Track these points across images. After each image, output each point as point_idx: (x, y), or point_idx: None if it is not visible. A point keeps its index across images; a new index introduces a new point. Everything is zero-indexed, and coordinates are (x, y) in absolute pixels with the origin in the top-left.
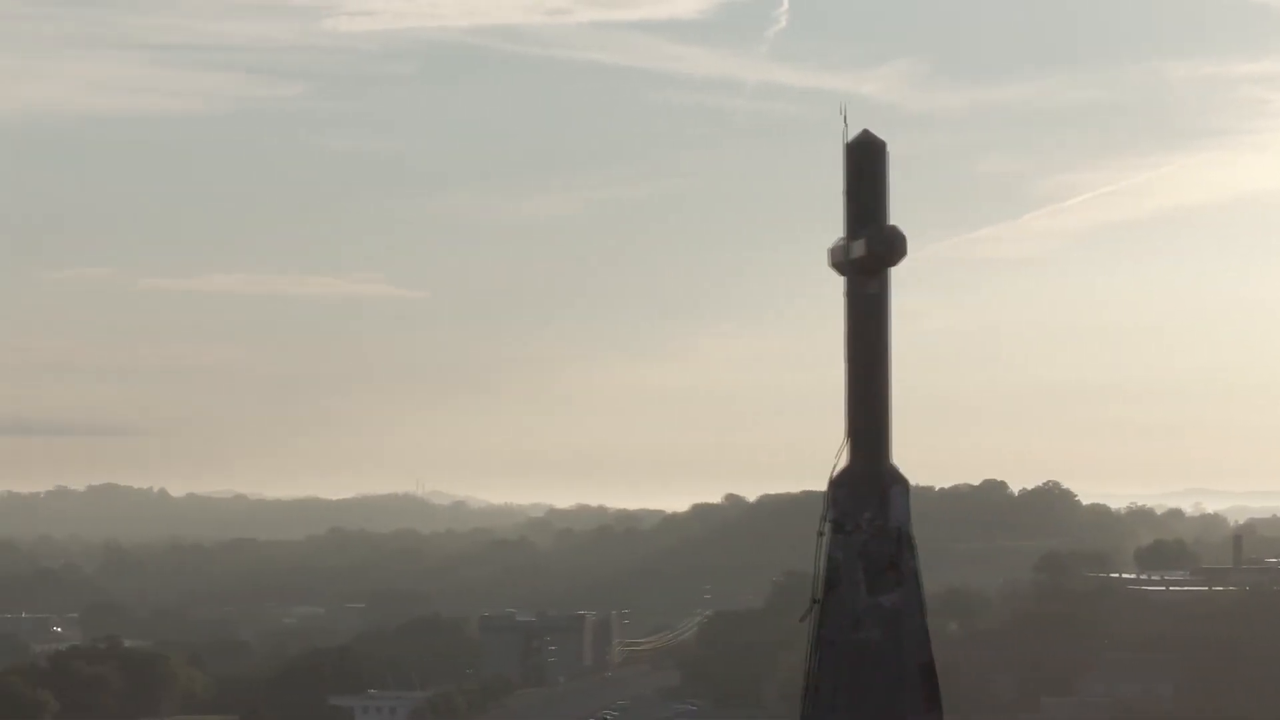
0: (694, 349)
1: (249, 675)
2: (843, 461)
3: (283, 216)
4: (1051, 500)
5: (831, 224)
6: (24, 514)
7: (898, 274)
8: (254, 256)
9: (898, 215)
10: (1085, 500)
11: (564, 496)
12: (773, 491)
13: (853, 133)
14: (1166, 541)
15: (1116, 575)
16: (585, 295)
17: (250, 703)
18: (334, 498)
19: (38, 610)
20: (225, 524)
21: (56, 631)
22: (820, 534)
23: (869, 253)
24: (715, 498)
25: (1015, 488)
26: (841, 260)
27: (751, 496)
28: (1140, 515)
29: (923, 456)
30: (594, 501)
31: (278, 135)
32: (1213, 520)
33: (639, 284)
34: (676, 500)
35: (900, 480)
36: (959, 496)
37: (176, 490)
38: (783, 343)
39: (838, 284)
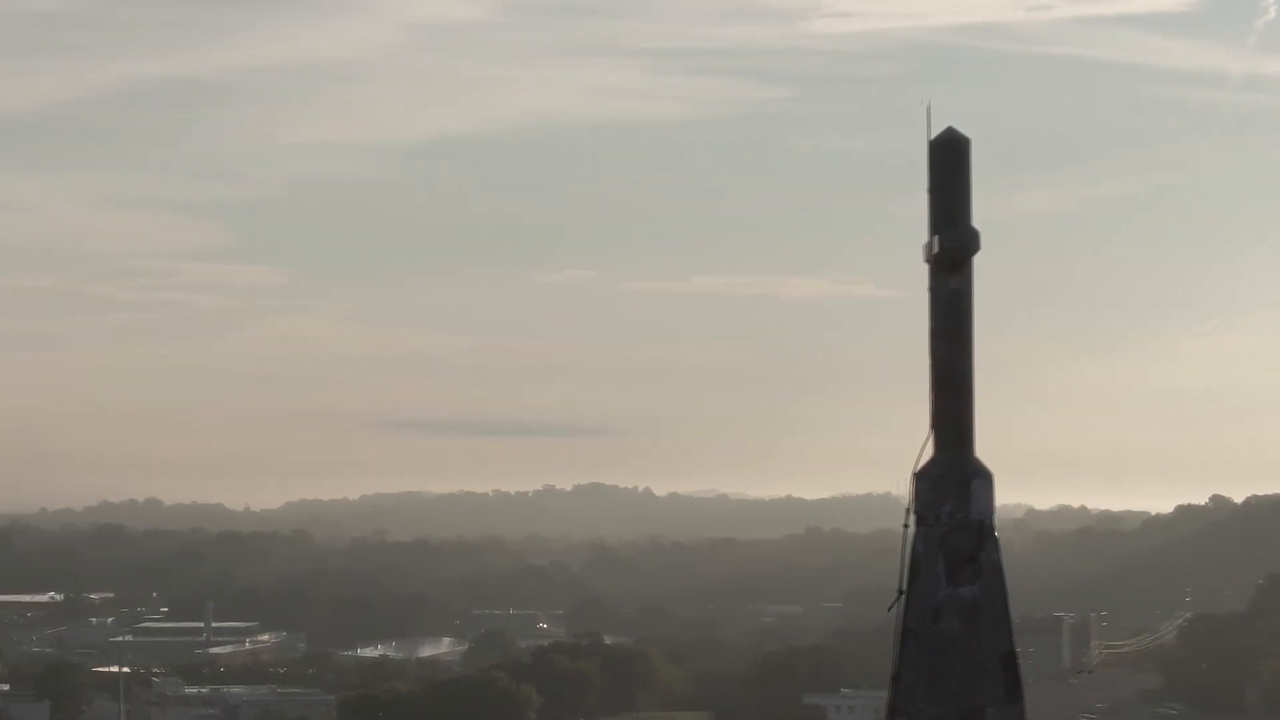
0: (1175, 348)
1: (726, 672)
2: (927, 454)
3: (769, 218)
4: None
5: None
6: (514, 512)
7: None
8: (739, 258)
9: None
10: None
11: (1043, 497)
12: (1261, 493)
13: (936, 129)
14: None
15: None
16: (1065, 293)
17: (726, 699)
18: (812, 497)
19: (525, 607)
20: (706, 523)
21: (542, 628)
22: (905, 526)
23: (943, 249)
24: (1200, 499)
25: None
26: (927, 256)
27: (1238, 498)
28: None
29: None
30: (1075, 502)
31: (766, 138)
32: None
33: (1119, 281)
34: (1161, 501)
35: (983, 473)
36: None
37: (660, 490)
38: (1270, 340)
39: None
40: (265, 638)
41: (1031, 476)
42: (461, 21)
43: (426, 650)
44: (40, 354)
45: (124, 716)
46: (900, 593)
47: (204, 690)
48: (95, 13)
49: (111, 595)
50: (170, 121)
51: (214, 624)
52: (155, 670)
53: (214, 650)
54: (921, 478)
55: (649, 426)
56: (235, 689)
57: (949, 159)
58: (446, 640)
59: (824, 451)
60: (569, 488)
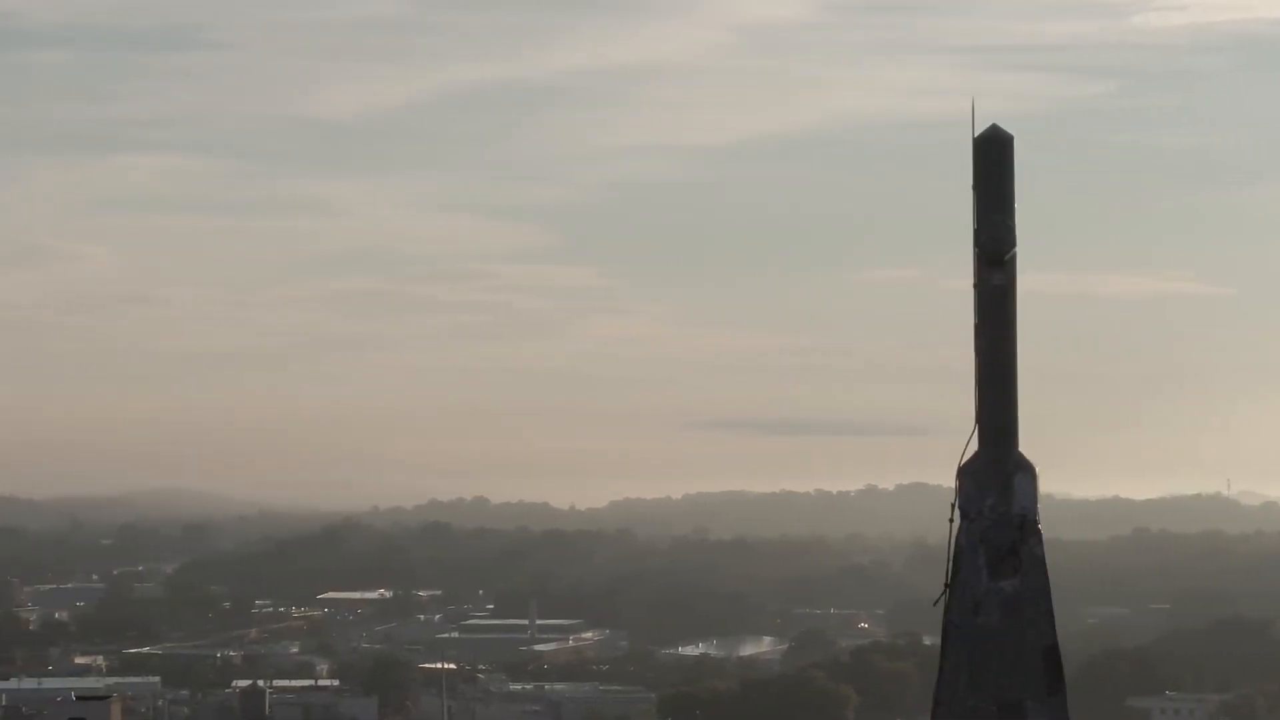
0: None
1: None
2: (971, 449)
3: (1091, 214)
4: None
5: None
6: (835, 512)
7: None
8: (1061, 255)
9: None
10: None
11: None
12: None
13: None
14: None
15: None
16: None
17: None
18: (1139, 498)
19: (845, 606)
20: None
21: (862, 627)
22: (950, 520)
23: (979, 245)
24: None
25: None
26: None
27: None
28: None
29: None
30: None
31: (1089, 133)
32: None
33: None
34: None
35: (1026, 468)
36: None
37: None
38: None
39: None
40: (588, 635)
41: None
42: (786, 22)
43: (747, 649)
44: (368, 355)
45: (447, 713)
46: (946, 588)
47: (527, 687)
48: (419, 18)
49: (439, 592)
50: (492, 125)
51: (538, 621)
52: (480, 667)
53: (538, 647)
54: (964, 472)
55: (971, 426)
56: (558, 686)
57: (992, 156)
58: (767, 639)
59: (1151, 451)
60: (891, 487)
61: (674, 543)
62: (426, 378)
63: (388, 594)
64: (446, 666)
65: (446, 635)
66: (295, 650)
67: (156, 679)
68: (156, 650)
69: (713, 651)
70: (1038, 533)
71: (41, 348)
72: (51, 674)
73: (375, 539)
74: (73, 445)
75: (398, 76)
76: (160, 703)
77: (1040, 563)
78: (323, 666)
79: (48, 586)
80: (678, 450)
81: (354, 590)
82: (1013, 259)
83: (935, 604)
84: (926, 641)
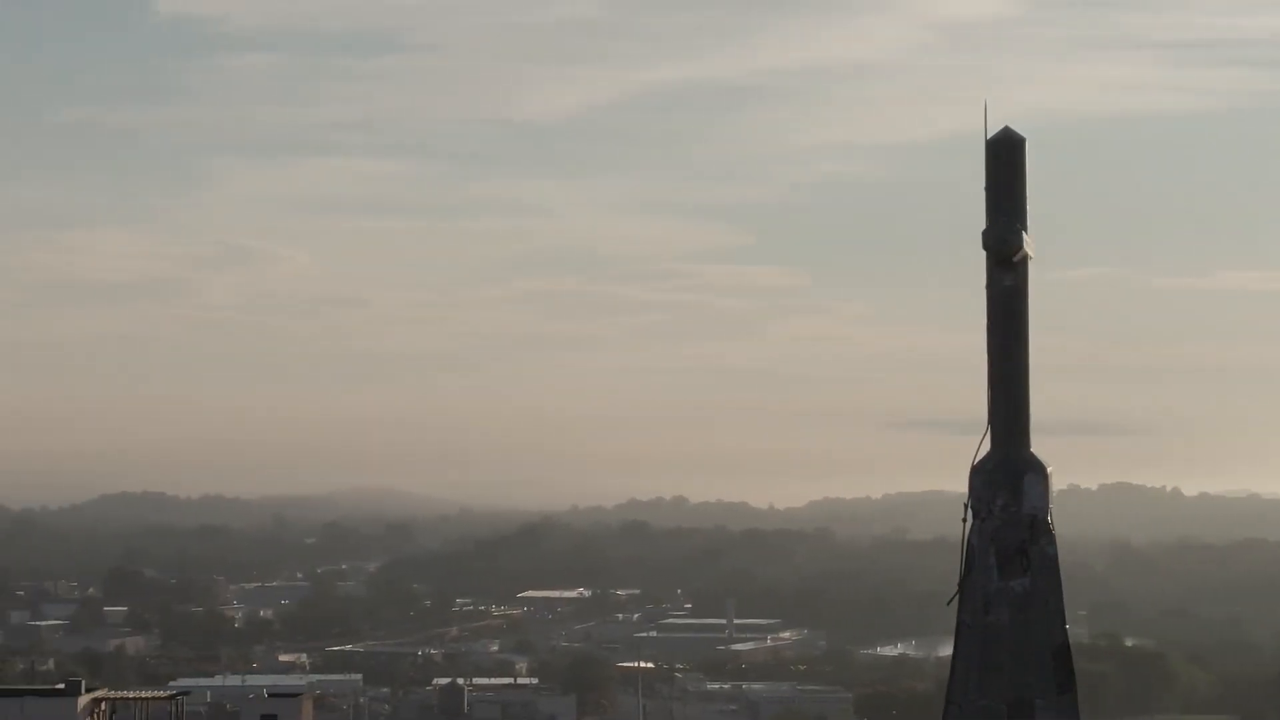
0: None
1: (1254, 676)
2: (984, 450)
3: None
4: None
5: None
6: None
7: None
8: (1264, 253)
9: None
10: None
11: None
12: None
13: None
14: None
15: None
16: None
17: (1253, 703)
18: None
19: None
20: (1237, 523)
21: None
22: (963, 520)
23: (984, 247)
24: None
25: None
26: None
27: None
28: None
29: None
30: None
31: None
32: None
33: None
34: None
35: (1037, 468)
36: None
37: (1189, 489)
38: None
39: None
40: (786, 635)
41: None
42: (986, 18)
43: (945, 649)
44: (567, 354)
45: (643, 711)
46: (959, 587)
47: (724, 686)
48: (619, 20)
49: (637, 591)
50: (691, 125)
51: (735, 620)
52: (678, 666)
53: (735, 647)
54: (976, 473)
55: (1177, 425)
56: (755, 685)
57: (1004, 157)
58: None
59: None
60: (1094, 487)
61: (873, 542)
62: (625, 377)
63: (586, 593)
64: (644, 665)
65: (644, 634)
66: (495, 648)
67: (358, 676)
68: (358, 648)
69: (911, 652)
70: (1049, 532)
71: (245, 349)
72: (255, 671)
73: (574, 538)
74: (278, 445)
75: (597, 78)
76: (361, 700)
77: (1052, 562)
78: (521, 664)
79: (253, 585)
80: (877, 450)
81: (553, 589)
82: (1023, 260)
83: (949, 603)
84: (1128, 643)
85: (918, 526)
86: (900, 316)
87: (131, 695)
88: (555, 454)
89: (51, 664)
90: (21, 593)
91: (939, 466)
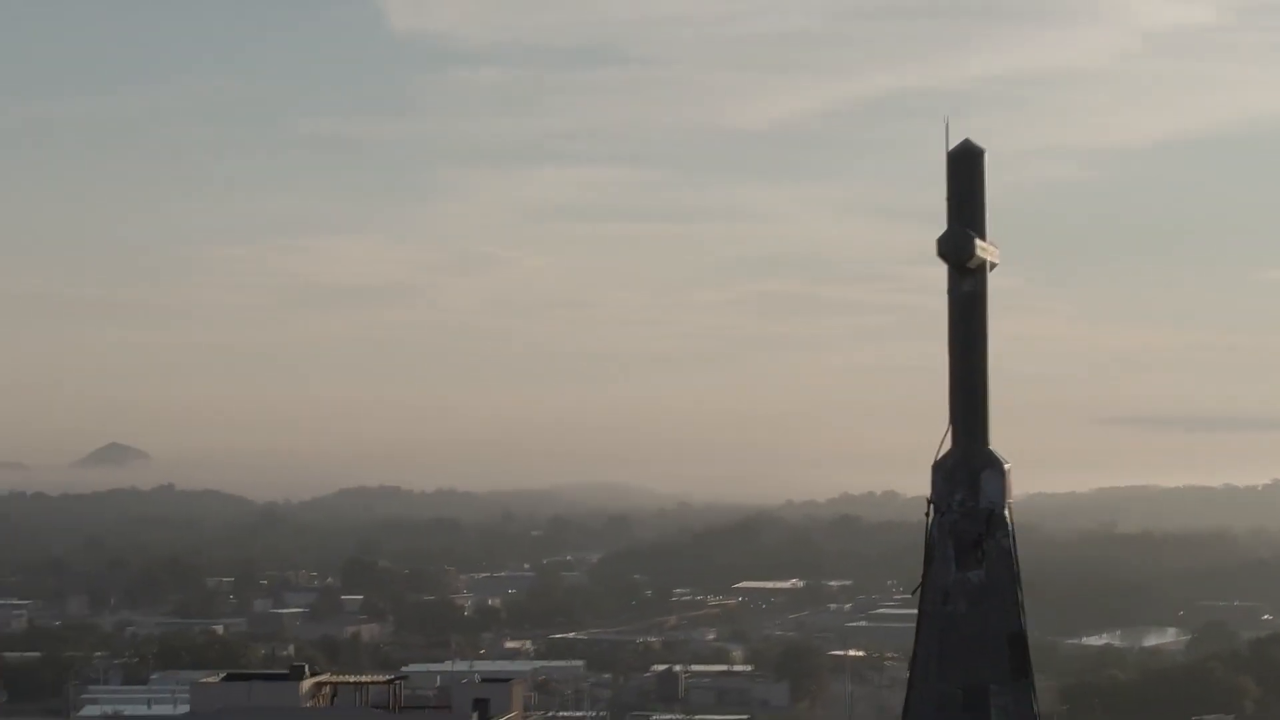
0: None
1: None
2: (945, 447)
3: None
4: None
5: None
6: (1242, 506)
7: None
8: None
9: None
10: None
11: None
12: None
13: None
14: None
15: None
16: None
17: None
18: None
19: (1249, 599)
20: None
21: (1266, 619)
22: (926, 515)
23: (939, 255)
24: None
25: None
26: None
27: None
28: None
29: None
30: None
31: None
32: None
33: None
34: None
35: (995, 464)
36: None
37: None
38: None
39: None
40: None
41: None
42: (1195, 25)
43: (1150, 640)
44: (784, 354)
45: (851, 698)
46: (922, 578)
47: None
48: (834, 31)
49: (849, 582)
50: (904, 132)
51: None
52: (888, 654)
53: None
54: (936, 469)
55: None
56: None
57: (963, 170)
58: (1170, 630)
59: None
60: None
61: (1080, 535)
62: (839, 376)
63: (799, 584)
64: (854, 654)
65: (855, 624)
66: (711, 636)
67: (580, 662)
68: (581, 635)
69: (1116, 642)
70: (1005, 526)
71: (479, 350)
72: (483, 657)
73: (788, 531)
74: (506, 442)
75: (812, 87)
76: (583, 685)
77: (1007, 555)
78: (737, 652)
79: (482, 575)
80: (1086, 445)
81: (767, 580)
82: (981, 267)
83: (913, 593)
84: None
85: (1125, 520)
86: (1108, 315)
87: (352, 679)
88: (772, 451)
89: (291, 649)
90: (265, 582)
91: (1147, 461)
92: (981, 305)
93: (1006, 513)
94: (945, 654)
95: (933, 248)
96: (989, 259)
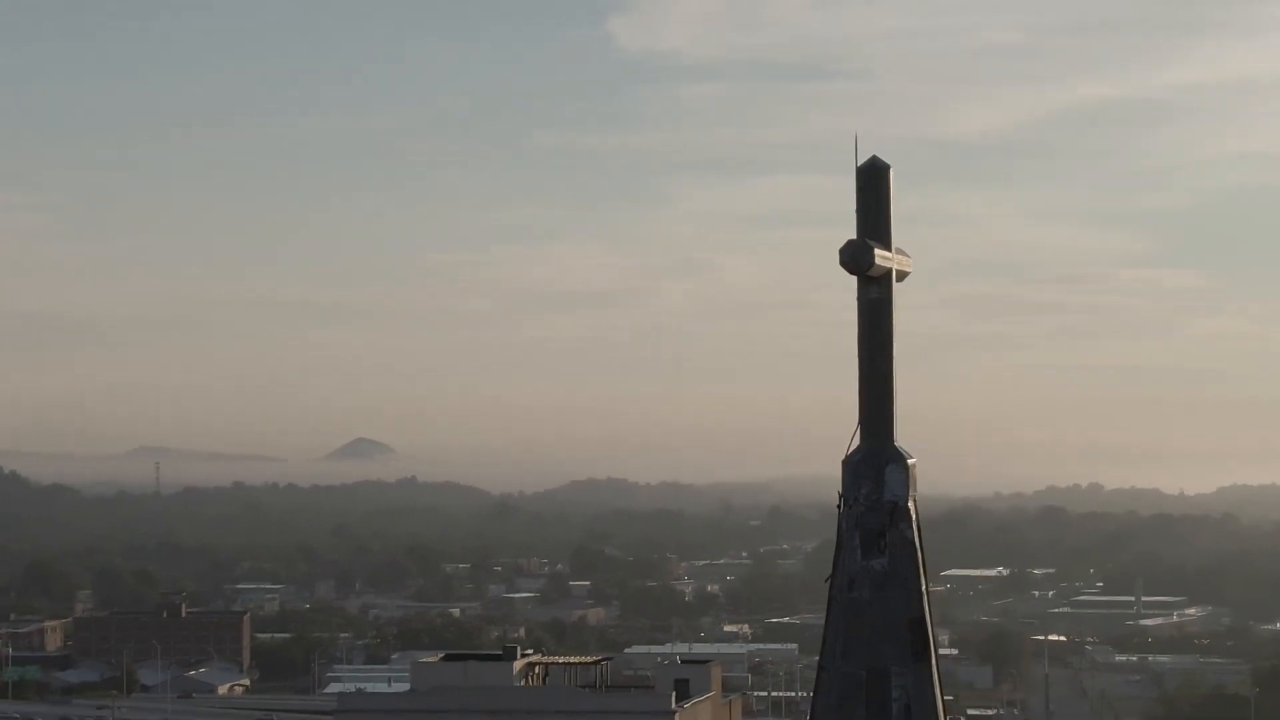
0: None
1: None
2: (855, 444)
3: None
4: None
5: None
6: None
7: None
8: None
9: None
10: None
11: None
12: None
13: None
14: None
15: None
16: None
17: None
18: None
19: None
20: None
21: None
22: (838, 508)
23: (840, 264)
24: None
25: None
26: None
27: None
28: None
29: None
30: None
31: None
32: None
33: None
34: None
35: (899, 459)
36: None
37: None
38: None
39: None
40: (1192, 611)
41: None
42: None
43: None
44: (991, 353)
45: (1047, 681)
46: (833, 566)
47: (1132, 659)
48: (1038, 43)
49: (1052, 571)
50: (1109, 139)
51: (1144, 598)
52: (1089, 640)
53: (1143, 622)
54: (846, 464)
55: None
56: (1161, 658)
57: (870, 184)
58: None
59: None
60: None
61: (1277, 526)
62: (1045, 374)
63: (1005, 572)
64: (1057, 639)
65: (1058, 610)
66: None
67: (794, 646)
68: (795, 620)
69: None
70: (909, 517)
71: (698, 350)
72: (703, 640)
73: (995, 521)
74: (726, 436)
75: (1019, 97)
76: (796, 667)
77: (909, 544)
78: (944, 637)
79: (702, 562)
80: None
81: (974, 568)
82: (886, 276)
83: (825, 581)
84: None
85: None
86: None
87: (561, 660)
88: (981, 445)
89: (522, 631)
90: (499, 568)
91: None
92: (887, 311)
93: (911, 505)
94: (850, 638)
95: (1141, 252)
96: (896, 268)
